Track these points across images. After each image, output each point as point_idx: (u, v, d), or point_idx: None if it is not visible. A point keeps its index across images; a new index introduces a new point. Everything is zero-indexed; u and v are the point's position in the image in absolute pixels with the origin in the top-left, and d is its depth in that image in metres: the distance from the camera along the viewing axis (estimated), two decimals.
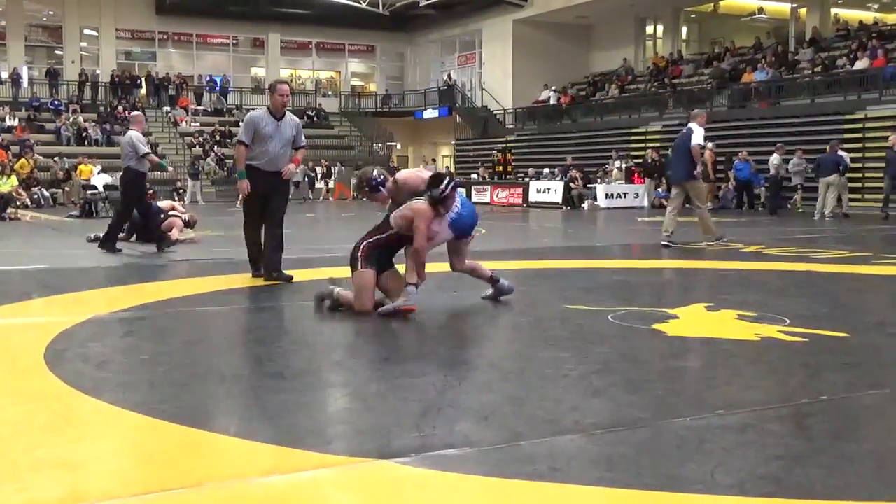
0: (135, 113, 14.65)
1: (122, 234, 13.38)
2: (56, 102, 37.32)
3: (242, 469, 3.07)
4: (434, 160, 39.34)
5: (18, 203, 23.08)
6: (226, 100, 42.00)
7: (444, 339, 5.61)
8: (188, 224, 14.26)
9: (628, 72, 36.38)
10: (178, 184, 31.57)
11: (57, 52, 40.52)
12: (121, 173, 12.92)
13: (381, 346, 5.52)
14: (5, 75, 37.90)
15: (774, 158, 22.74)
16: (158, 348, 5.51)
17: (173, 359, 5.16)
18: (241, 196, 8.67)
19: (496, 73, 39.52)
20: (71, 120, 35.61)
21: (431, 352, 5.16)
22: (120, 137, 12.98)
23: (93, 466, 3.13)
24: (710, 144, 24.95)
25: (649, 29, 38.26)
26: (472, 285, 7.71)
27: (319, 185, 35.28)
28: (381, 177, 6.88)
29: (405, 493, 2.88)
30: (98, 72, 40.42)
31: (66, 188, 29.42)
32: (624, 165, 28.13)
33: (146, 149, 12.13)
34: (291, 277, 8.31)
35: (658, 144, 28.25)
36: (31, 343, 5.33)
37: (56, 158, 31.06)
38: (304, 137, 8.88)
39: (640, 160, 27.77)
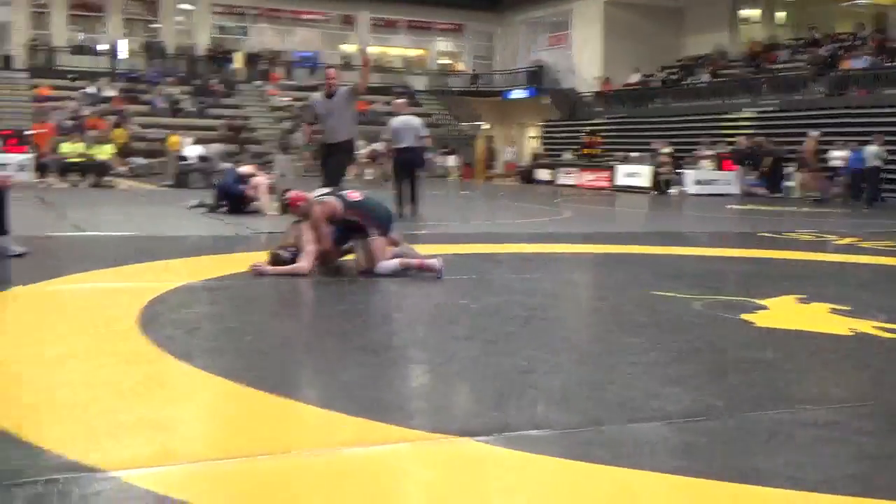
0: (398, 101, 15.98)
1: (208, 204, 13.83)
2: (154, 74, 38.15)
3: (326, 439, 3.12)
4: (514, 143, 39.08)
5: (115, 171, 23.70)
6: (315, 76, 42.40)
7: (526, 321, 5.60)
8: (272, 189, 14.47)
9: (721, 56, 35.65)
10: (269, 156, 31.99)
11: (153, 25, 41.35)
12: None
13: (463, 325, 5.53)
14: (104, 47, 38.85)
15: (872, 148, 22.08)
16: (245, 317, 5.62)
17: (259, 328, 5.26)
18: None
19: (586, 55, 39.11)
20: (166, 92, 36.37)
21: (514, 333, 5.15)
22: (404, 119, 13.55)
23: (182, 428, 3.22)
24: (814, 133, 24.36)
25: (743, 13, 37.39)
26: (554, 269, 7.69)
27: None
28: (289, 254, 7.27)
29: (485, 471, 2.89)
30: (193, 45, 41.16)
31: (161, 158, 30.08)
32: (714, 152, 27.62)
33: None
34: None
35: (751, 131, 27.66)
36: (125, 307, 5.48)
37: (152, 129, 31.77)
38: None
39: (732, 146, 27.22)
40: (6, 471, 2.69)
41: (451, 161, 35.75)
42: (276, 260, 7.14)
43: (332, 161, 10.19)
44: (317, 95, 10.63)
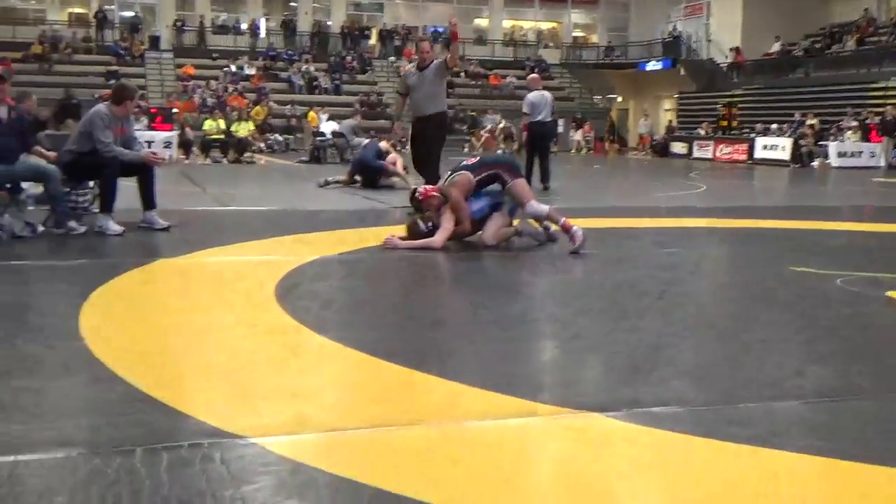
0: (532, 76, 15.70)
1: (342, 179, 14.07)
2: (290, 52, 38.98)
3: (455, 411, 3.15)
4: (648, 116, 38.30)
5: (254, 147, 24.37)
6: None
7: (661, 296, 5.51)
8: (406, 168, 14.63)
9: (869, 23, 34.06)
10: (401, 131, 32.29)
11: (291, 3, 42.20)
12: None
13: (595, 299, 5.49)
14: (245, 26, 39.91)
15: None
16: (378, 290, 5.71)
17: (392, 301, 5.34)
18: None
19: (724, 24, 37.97)
20: (303, 69, 37.12)
21: (647, 307, 5.08)
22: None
23: (316, 398, 3.29)
24: None
25: None
26: (690, 243, 7.53)
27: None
28: (427, 227, 7.32)
29: (615, 447, 2.86)
30: (329, 23, 41.85)
31: (298, 135, 30.77)
32: (860, 122, 26.46)
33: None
34: None
35: None
36: (263, 279, 5.64)
37: (289, 106, 32.51)
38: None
39: (879, 117, 26.02)
40: (155, 435, 2.81)
41: (579, 135, 35.36)
42: (412, 230, 7.23)
43: (423, 137, 9.76)
44: (410, 67, 10.21)
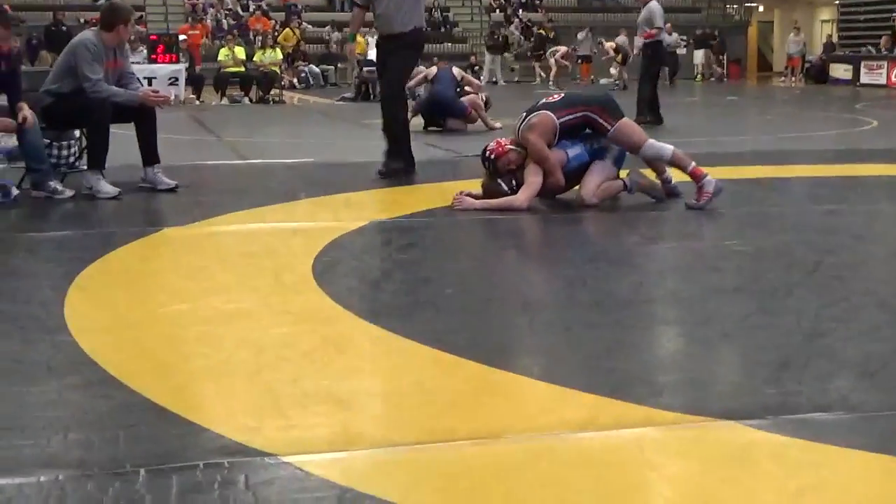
0: None
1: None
2: None
3: (548, 420, 3.14)
4: (798, 28, 37.56)
5: (283, 82, 24.54)
6: None
7: (817, 268, 5.43)
8: (487, 104, 14.59)
9: None
10: (473, 59, 32.28)
11: None
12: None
13: (731, 273, 5.43)
14: None
15: None
16: (446, 265, 5.72)
17: (464, 279, 5.35)
18: None
19: None
20: None
21: (800, 284, 5.01)
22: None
23: (367, 405, 3.32)
24: None
25: None
26: (856, 198, 7.40)
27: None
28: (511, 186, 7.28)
29: (759, 465, 2.83)
30: None
31: (340, 65, 30.88)
32: None
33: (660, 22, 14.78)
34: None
35: None
36: (297, 252, 5.69)
37: (328, 28, 32.62)
38: None
39: None
40: (162, 453, 2.86)
41: (700, 56, 34.74)
42: (491, 192, 7.19)
43: (390, 62, 9.18)
44: None
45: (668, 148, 7.19)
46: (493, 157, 7.19)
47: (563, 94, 7.63)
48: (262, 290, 4.90)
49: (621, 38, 29.51)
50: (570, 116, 7.18)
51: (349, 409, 3.24)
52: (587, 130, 7.25)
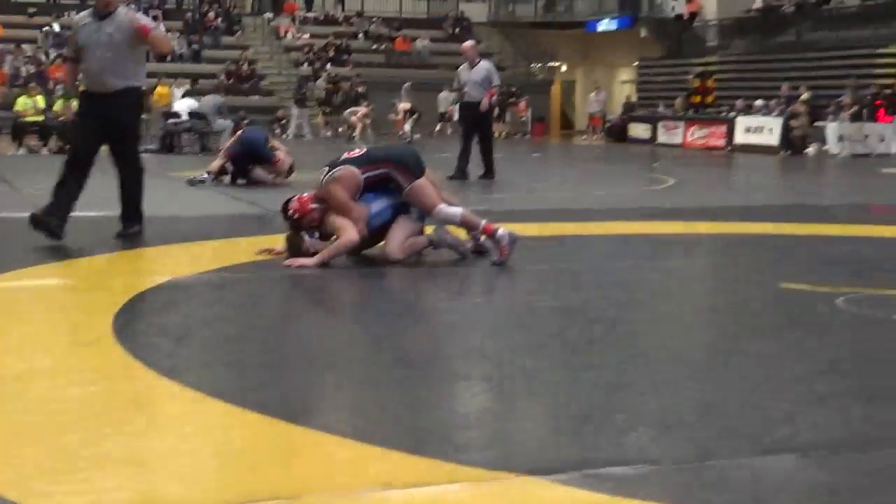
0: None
1: (210, 174, 13.93)
2: (133, 7, 38.50)
3: (352, 479, 3.13)
4: (599, 88, 38.76)
5: None
6: (343, 5, 42.53)
7: (616, 323, 5.57)
8: (291, 170, 14.49)
9: None
10: (280, 112, 32.20)
11: None
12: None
13: (534, 329, 5.52)
14: None
15: None
16: (251, 321, 5.65)
17: (269, 335, 5.29)
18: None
19: None
20: None
21: (601, 339, 5.13)
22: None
23: (167, 465, 3.24)
24: None
25: None
26: (655, 254, 7.63)
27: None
28: (312, 237, 7.29)
29: None
30: None
31: (143, 115, 30.37)
32: (865, 98, 27.19)
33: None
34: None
35: None
36: (96, 309, 5.54)
37: None
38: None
39: (889, 91, 26.79)
40: None
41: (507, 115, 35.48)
42: (294, 247, 7.12)
43: (102, 124, 8.16)
44: (82, 16, 8.49)
45: (456, 212, 7.29)
46: (296, 216, 7.14)
47: (364, 150, 7.63)
48: (57, 348, 4.75)
49: (444, 94, 30.31)
50: (373, 173, 7.20)
51: (149, 471, 3.16)
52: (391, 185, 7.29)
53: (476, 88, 15.30)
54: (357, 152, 7.49)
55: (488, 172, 15.35)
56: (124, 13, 8.20)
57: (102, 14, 8.08)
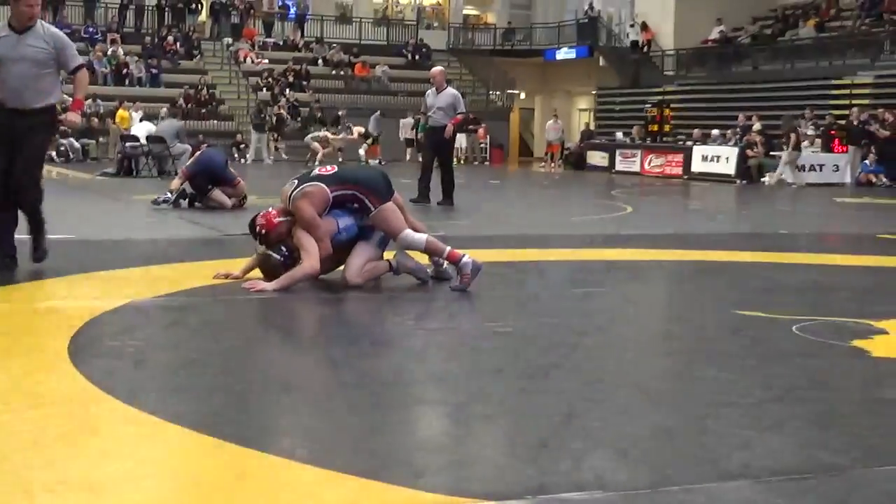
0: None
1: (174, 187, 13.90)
2: (91, 30, 38.35)
3: (309, 503, 3.12)
4: (557, 116, 38.98)
5: None
6: (302, 31, 42.56)
7: (575, 349, 5.58)
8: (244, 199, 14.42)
9: (831, 4, 35.53)
10: (239, 137, 32.12)
11: None
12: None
13: (492, 354, 5.52)
14: None
15: None
16: (209, 345, 5.62)
17: (227, 359, 5.26)
18: None
19: (653, 4, 39.04)
20: (109, 53, 36.57)
21: (556, 365, 5.13)
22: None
23: (123, 490, 3.21)
24: None
25: None
26: (612, 281, 7.66)
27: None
28: (282, 254, 7.24)
29: None
30: None
31: (101, 139, 30.25)
32: (820, 129, 27.49)
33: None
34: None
35: (867, 101, 27.52)
36: (52, 332, 5.49)
37: (90, 101, 31.96)
38: (74, 55, 8.16)
39: (843, 121, 27.11)
40: None
41: (463, 141, 35.53)
42: (266, 267, 7.14)
43: (29, 140, 7.79)
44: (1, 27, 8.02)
45: (421, 238, 7.31)
46: (264, 231, 7.16)
47: (335, 169, 7.64)
48: (12, 370, 4.70)
49: (407, 120, 30.76)
50: (341, 192, 7.22)
51: (104, 496, 3.13)
52: (356, 206, 7.30)
53: (441, 114, 15.49)
54: (329, 170, 7.51)
55: (447, 198, 15.45)
56: (46, 28, 7.96)
57: (23, 28, 7.75)
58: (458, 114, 15.61)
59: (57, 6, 37.65)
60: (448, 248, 7.23)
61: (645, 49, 38.69)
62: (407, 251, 7.47)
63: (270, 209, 7.31)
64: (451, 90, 15.89)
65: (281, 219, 7.18)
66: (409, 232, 7.29)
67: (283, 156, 32.21)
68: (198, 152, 15.42)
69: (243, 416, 4.13)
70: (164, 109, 28.34)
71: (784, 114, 27.95)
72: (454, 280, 7.18)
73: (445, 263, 7.46)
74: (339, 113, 33.91)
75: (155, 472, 3.46)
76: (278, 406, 4.38)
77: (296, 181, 7.31)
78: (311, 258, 7.02)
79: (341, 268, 7.27)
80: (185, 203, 13.93)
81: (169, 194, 13.82)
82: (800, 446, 3.84)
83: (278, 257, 7.13)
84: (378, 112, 33.09)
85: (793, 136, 25.06)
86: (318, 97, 36.45)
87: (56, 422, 3.91)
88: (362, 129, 30.76)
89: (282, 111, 34.25)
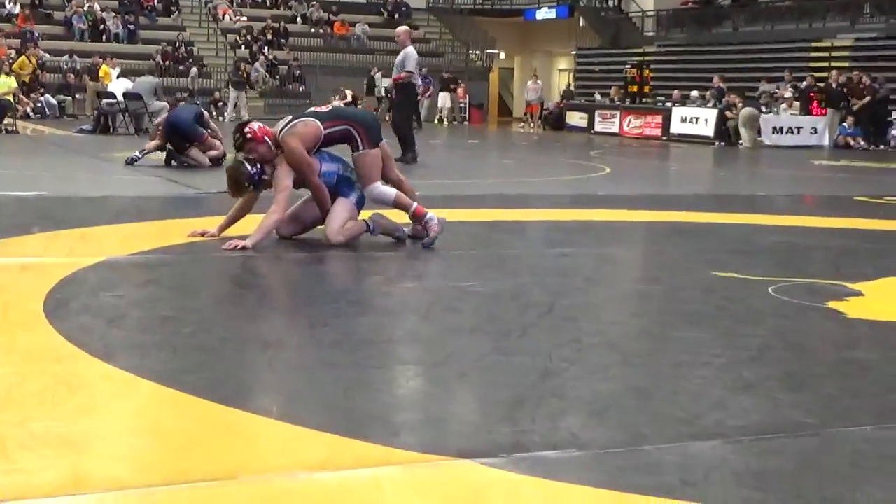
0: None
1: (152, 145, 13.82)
2: None
3: (286, 460, 3.12)
4: (536, 76, 38.86)
5: (18, 112, 23.66)
6: None
7: (550, 309, 5.59)
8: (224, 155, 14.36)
9: None
10: (217, 94, 31.94)
11: None
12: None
13: (467, 314, 5.53)
14: None
15: None
16: (185, 303, 5.62)
17: (203, 317, 5.26)
18: None
19: None
20: (85, 8, 36.23)
21: (534, 325, 5.15)
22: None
23: (99, 446, 3.21)
24: None
25: None
26: (589, 241, 7.67)
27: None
28: (255, 168, 7.15)
29: (492, 502, 2.89)
30: None
31: (78, 95, 30.04)
32: (799, 90, 27.50)
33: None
34: None
35: (847, 64, 27.54)
36: (27, 289, 5.48)
37: (66, 57, 31.71)
38: None
39: (822, 84, 27.13)
40: None
41: (444, 99, 35.37)
42: (236, 177, 7.15)
43: None
44: None
45: (390, 192, 7.33)
46: (249, 136, 7.15)
47: (330, 106, 7.70)
48: None
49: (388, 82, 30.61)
50: (335, 128, 7.24)
51: (79, 452, 3.13)
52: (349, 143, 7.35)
53: (395, 73, 16.01)
54: (325, 108, 7.59)
55: (404, 156, 15.04)
56: None
57: None
58: (403, 71, 15.71)
59: None
60: (415, 204, 7.25)
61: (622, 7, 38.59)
62: (381, 212, 7.48)
63: (268, 129, 7.29)
64: (408, 49, 15.90)
65: (269, 142, 7.14)
66: (378, 184, 7.32)
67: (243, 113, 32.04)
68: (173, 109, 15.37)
69: (220, 373, 4.13)
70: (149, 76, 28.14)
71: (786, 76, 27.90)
72: (426, 238, 7.20)
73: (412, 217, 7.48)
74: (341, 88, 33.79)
75: (131, 428, 3.46)
76: (255, 364, 4.38)
77: (290, 117, 7.32)
78: (279, 208, 7.05)
79: (322, 227, 7.25)
80: (159, 157, 13.81)
81: (138, 154, 13.70)
82: (773, 406, 3.86)
83: (250, 169, 7.08)
84: (380, 71, 32.92)
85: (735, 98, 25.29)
86: (296, 55, 36.24)
87: (32, 379, 3.90)
88: (351, 91, 30.59)
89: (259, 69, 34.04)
